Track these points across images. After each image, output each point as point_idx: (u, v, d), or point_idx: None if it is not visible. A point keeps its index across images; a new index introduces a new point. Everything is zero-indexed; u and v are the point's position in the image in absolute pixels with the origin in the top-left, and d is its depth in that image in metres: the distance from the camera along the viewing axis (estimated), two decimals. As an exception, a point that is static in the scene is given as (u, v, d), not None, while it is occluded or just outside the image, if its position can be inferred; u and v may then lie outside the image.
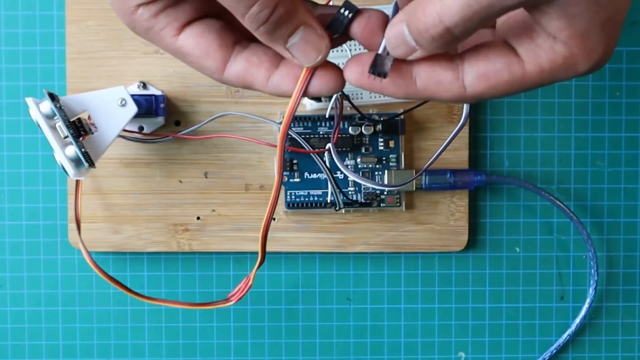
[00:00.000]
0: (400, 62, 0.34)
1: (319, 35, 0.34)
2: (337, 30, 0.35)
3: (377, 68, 0.34)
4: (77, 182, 0.50)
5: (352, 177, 0.50)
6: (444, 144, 0.48)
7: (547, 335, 0.57)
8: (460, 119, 0.55)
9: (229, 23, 0.36)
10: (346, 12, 0.35)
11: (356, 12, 0.35)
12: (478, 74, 0.34)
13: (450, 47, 0.33)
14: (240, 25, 0.34)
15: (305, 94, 0.36)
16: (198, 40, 0.35)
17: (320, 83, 0.35)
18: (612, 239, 0.57)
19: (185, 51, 0.35)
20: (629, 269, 0.57)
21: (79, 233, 0.49)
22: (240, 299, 0.50)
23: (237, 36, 0.36)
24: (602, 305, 0.57)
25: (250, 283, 0.50)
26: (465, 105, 0.46)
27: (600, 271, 0.57)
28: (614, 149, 0.56)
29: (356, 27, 0.35)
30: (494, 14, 0.31)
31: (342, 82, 0.36)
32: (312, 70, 0.35)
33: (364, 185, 0.54)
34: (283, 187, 0.54)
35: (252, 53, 0.36)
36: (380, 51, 0.34)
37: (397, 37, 0.34)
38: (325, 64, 0.35)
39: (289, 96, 0.36)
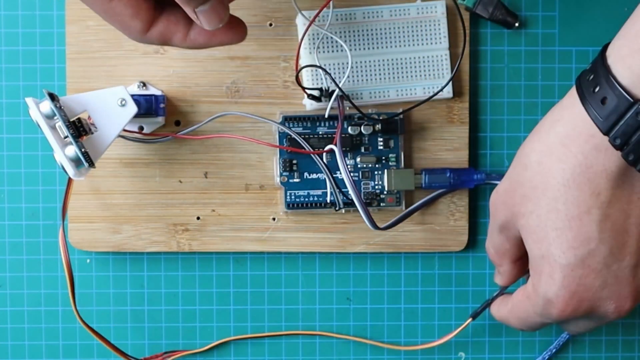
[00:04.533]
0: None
1: (224, 7, 0.41)
2: None
3: None
4: (69, 181, 0.50)
5: (347, 182, 0.50)
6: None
7: (547, 335, 0.57)
8: (460, 119, 0.55)
9: None
10: None
11: None
12: None
13: None
14: None
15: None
16: (129, 2, 0.41)
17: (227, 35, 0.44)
18: (612, 239, 0.57)
19: (117, 10, 0.41)
20: (628, 268, 0.57)
21: (63, 229, 0.50)
22: None
23: (155, 1, 0.42)
24: (602, 305, 0.57)
25: None
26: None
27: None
28: (614, 149, 0.56)
29: None
30: None
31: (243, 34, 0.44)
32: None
33: (363, 185, 0.54)
34: (283, 187, 0.54)
35: (170, 14, 0.42)
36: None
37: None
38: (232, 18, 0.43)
39: (204, 48, 0.43)
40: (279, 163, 0.53)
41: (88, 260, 0.56)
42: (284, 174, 0.54)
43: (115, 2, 0.41)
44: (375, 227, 0.51)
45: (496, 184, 0.55)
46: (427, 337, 0.57)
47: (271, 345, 0.56)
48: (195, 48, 0.43)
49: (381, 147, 0.54)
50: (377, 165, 0.54)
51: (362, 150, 0.54)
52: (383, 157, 0.54)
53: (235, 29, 0.44)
